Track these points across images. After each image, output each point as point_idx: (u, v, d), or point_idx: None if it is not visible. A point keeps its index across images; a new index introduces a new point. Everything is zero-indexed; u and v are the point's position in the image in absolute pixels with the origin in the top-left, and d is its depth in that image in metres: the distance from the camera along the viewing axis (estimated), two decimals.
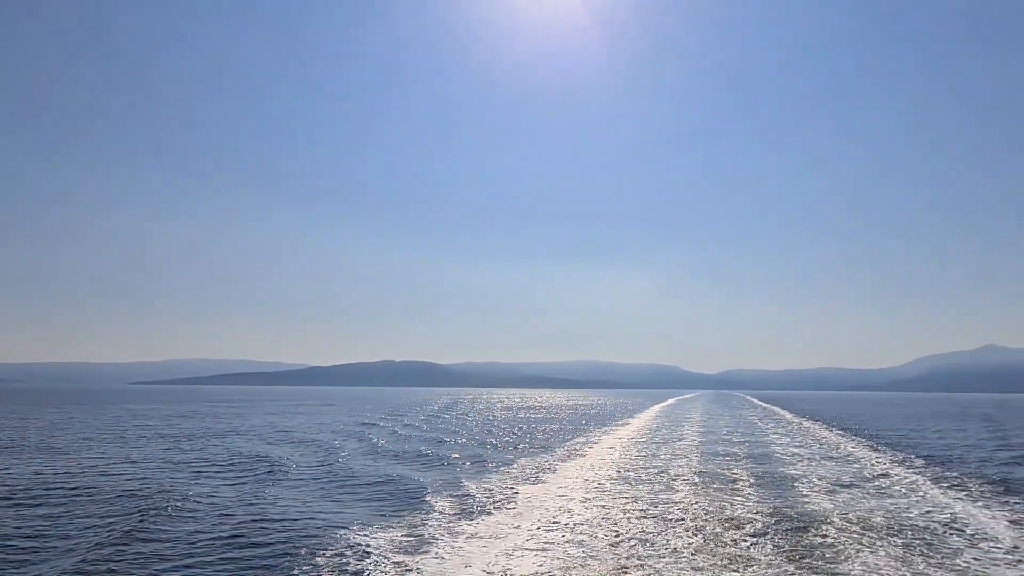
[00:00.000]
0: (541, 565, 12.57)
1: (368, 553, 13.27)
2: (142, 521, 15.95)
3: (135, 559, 13.08)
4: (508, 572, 12.19)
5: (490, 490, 20.95)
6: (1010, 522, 16.73)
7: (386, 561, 12.77)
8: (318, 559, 12.96)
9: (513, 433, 45.96)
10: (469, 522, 16.33)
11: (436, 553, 13.43)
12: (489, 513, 17.42)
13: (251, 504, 18.45)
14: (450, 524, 16.07)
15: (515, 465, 27.38)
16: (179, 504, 17.96)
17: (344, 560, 12.82)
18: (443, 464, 28.10)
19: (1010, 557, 13.43)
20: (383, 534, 14.96)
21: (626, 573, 12.11)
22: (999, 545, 14.38)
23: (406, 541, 14.39)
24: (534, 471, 25.65)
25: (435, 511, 17.60)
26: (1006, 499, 20.09)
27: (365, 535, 14.79)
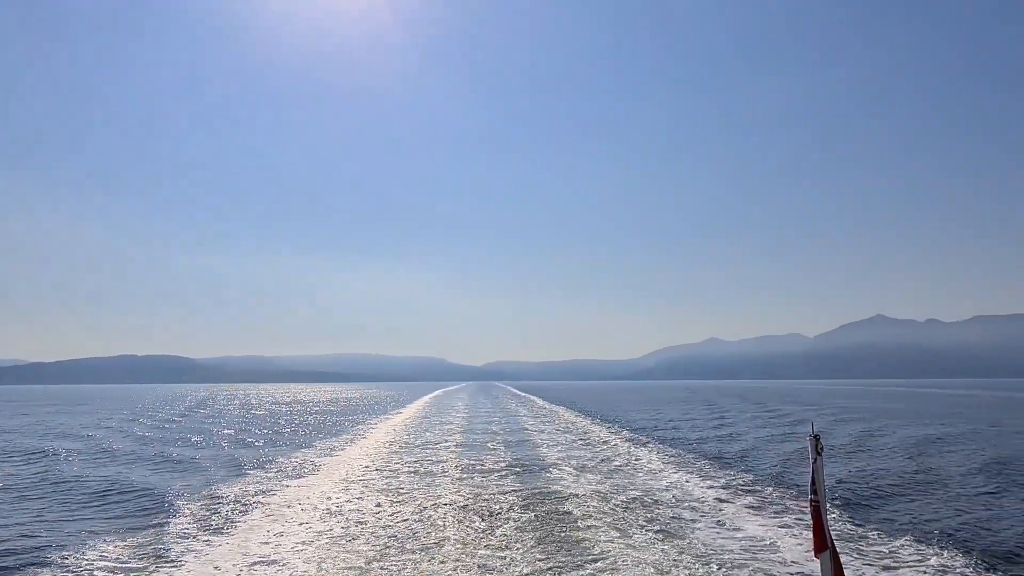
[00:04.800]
0: (297, 569, 12.06)
1: (95, 571, 11.83)
2: None
3: None
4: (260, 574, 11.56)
5: (243, 492, 19.71)
6: (722, 490, 19.35)
7: None
8: None
9: (272, 431, 43.89)
10: (219, 528, 15.20)
11: (181, 565, 12.34)
12: (242, 517, 16.36)
13: None
14: (197, 532, 14.82)
15: (273, 464, 26.09)
16: None
17: None
18: (190, 467, 25.97)
19: (718, 520, 15.52)
20: (116, 547, 13.41)
21: (394, 563, 12.03)
22: (714, 511, 16.55)
23: (143, 554, 13.02)
24: (294, 469, 24.65)
25: (180, 518, 16.14)
26: (720, 471, 23.27)
27: (95, 550, 13.14)
